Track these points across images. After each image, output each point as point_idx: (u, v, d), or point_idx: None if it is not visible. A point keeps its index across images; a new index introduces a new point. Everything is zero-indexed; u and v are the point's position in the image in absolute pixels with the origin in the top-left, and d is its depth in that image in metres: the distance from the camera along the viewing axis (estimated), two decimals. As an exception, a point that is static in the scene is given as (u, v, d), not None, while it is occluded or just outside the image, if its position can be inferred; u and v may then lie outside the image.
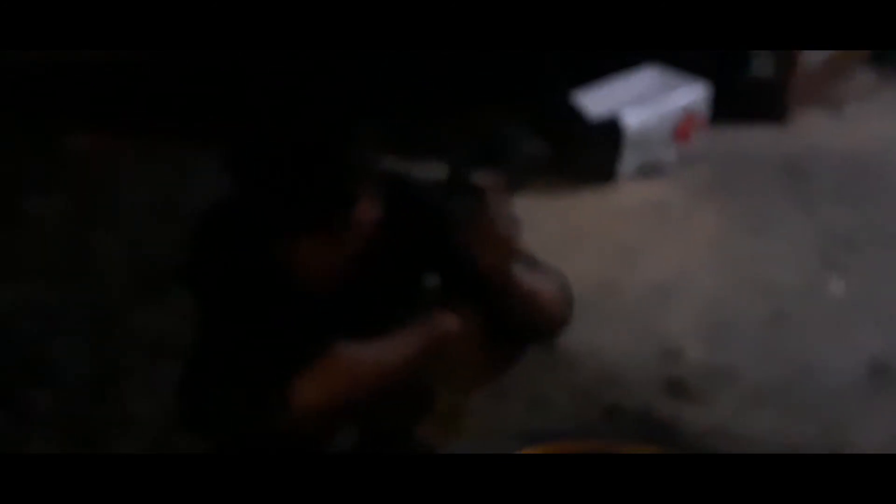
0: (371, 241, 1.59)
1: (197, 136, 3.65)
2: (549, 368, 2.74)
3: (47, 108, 4.04)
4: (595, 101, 3.71)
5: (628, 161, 3.66)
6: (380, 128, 1.76)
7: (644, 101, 3.70)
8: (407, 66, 4.18)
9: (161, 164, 3.79)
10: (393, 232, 1.63)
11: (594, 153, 3.68)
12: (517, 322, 1.65)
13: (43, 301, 2.92)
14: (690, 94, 3.78)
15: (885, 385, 2.72)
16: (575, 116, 3.69)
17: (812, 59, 4.11)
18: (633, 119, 3.61)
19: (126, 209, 3.56)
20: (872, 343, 2.87)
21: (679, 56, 3.89)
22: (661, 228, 3.50)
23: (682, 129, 3.77)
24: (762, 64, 4.08)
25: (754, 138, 4.00)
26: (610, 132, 3.63)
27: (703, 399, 2.68)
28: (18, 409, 2.55)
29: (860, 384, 2.73)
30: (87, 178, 3.69)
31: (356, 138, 1.51)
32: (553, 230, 3.42)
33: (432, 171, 3.14)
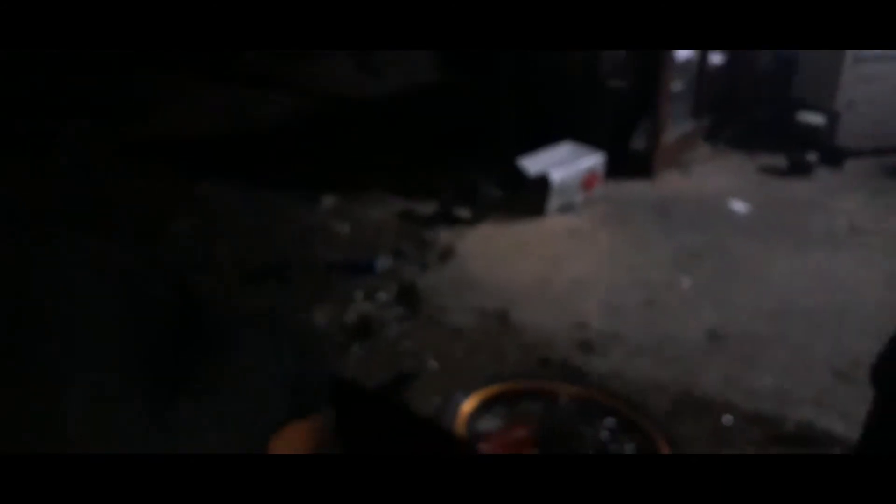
0: None
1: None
2: (505, 333, 2.84)
3: (187, 167, 4.10)
4: (532, 163, 3.84)
5: (553, 202, 3.80)
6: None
7: (563, 164, 3.85)
8: (416, 137, 4.35)
9: (255, 201, 3.83)
10: None
11: (532, 196, 3.78)
12: None
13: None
14: (593, 160, 3.93)
15: (717, 346, 2.81)
16: (520, 173, 3.82)
17: (670, 136, 4.22)
18: (557, 175, 3.78)
19: (232, 228, 3.58)
20: (709, 319, 2.96)
21: (585, 136, 4.00)
22: (575, 244, 3.58)
23: (587, 182, 3.90)
24: (638, 140, 4.14)
25: (634, 188, 4.10)
26: (542, 183, 3.77)
27: (602, 353, 2.74)
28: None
29: (701, 345, 2.81)
30: (208, 209, 3.71)
31: None
32: (506, 245, 3.59)
33: (428, 206, 3.24)
